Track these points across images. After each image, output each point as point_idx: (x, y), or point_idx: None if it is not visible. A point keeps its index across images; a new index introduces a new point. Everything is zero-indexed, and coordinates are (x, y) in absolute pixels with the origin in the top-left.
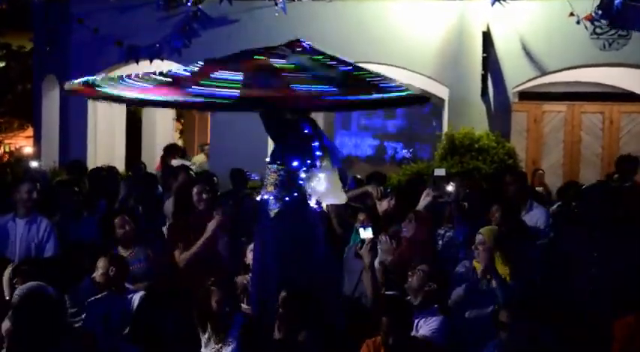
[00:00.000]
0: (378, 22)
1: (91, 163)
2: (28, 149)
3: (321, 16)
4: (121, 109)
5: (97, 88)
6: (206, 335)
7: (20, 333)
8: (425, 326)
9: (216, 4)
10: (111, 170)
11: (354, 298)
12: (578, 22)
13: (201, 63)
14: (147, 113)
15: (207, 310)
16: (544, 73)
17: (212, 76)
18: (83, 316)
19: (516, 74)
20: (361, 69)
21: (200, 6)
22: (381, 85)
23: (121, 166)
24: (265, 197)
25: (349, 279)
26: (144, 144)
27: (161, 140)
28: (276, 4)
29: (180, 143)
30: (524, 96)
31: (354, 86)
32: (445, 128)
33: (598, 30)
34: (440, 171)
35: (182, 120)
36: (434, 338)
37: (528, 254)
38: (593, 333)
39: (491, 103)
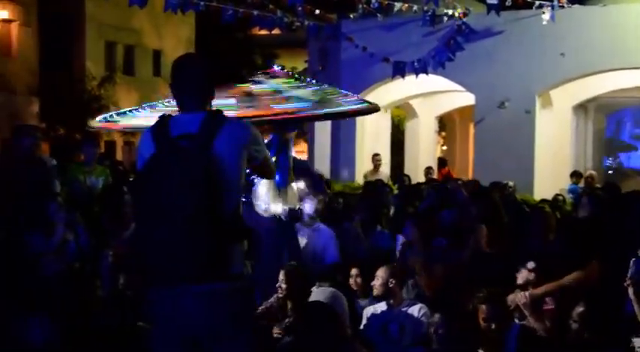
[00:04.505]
0: None
1: (359, 175)
2: None
3: (591, 21)
4: (386, 124)
5: (115, 122)
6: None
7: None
8: None
9: (481, 17)
10: (378, 183)
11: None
12: None
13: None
14: (411, 125)
15: (476, 326)
16: None
17: None
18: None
19: None
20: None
21: (465, 19)
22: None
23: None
24: None
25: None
26: (407, 156)
27: (424, 152)
28: (544, 13)
29: (441, 154)
30: None
31: (322, 102)
32: None
33: None
34: None
35: (443, 133)
36: None
37: None
38: None
39: None
